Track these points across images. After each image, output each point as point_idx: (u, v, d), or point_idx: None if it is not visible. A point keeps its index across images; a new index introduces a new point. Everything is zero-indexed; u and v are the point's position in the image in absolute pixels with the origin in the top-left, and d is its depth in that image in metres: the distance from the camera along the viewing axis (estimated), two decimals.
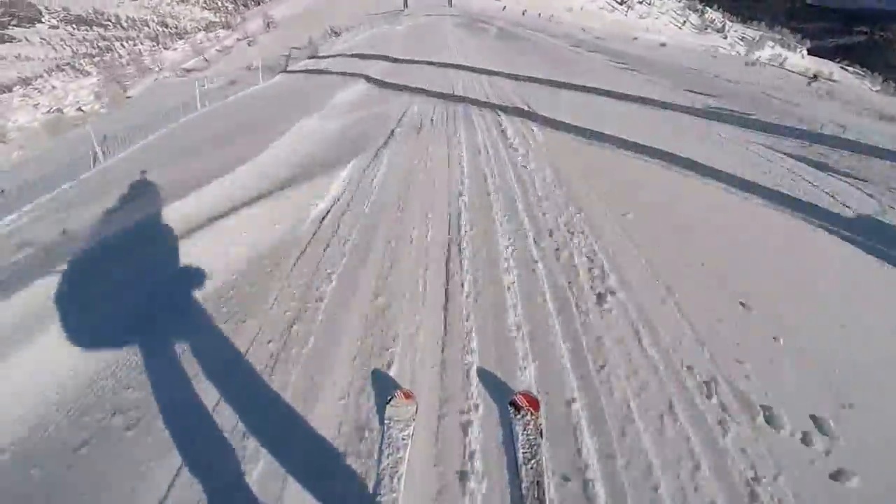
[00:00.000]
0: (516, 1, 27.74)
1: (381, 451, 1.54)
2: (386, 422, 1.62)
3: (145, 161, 5.21)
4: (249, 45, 27.66)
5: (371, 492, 1.47)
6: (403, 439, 1.56)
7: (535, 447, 1.50)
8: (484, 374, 1.87)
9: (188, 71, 24.14)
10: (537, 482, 1.38)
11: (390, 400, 1.68)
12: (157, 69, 26.58)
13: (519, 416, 1.60)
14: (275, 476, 1.57)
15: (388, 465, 1.49)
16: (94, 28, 63.47)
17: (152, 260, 2.70)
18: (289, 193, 3.44)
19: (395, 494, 1.40)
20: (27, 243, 3.17)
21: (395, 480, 1.45)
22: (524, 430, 1.55)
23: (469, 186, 3.46)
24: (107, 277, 2.54)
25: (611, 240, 2.69)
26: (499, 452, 1.59)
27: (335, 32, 20.16)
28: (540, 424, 1.60)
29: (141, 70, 26.76)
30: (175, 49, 34.19)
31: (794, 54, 34.72)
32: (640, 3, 43.73)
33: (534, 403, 1.64)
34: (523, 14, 24.17)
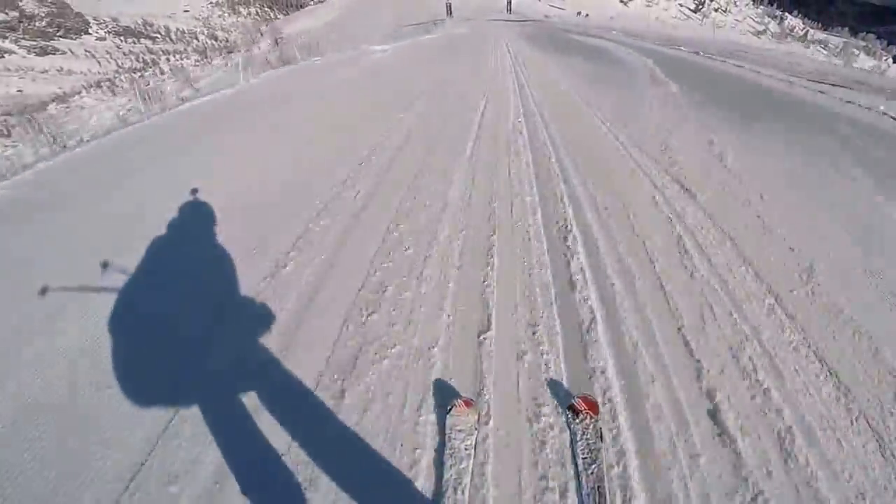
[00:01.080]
0: (578, 6, 28.62)
1: (443, 463, 1.58)
2: (447, 432, 1.66)
3: None
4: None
5: None
6: (466, 449, 1.60)
7: (596, 451, 1.54)
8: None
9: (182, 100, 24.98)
10: (598, 487, 1.42)
11: (450, 409, 1.71)
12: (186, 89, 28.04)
13: (578, 421, 1.65)
14: None
15: (451, 476, 1.53)
16: (142, 40, 68.09)
17: None
18: None
19: None
20: None
21: (460, 492, 1.49)
22: (583, 433, 1.60)
23: None
24: None
25: None
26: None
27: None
28: (599, 428, 1.63)
29: (180, 86, 28.32)
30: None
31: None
32: (717, 10, 43.56)
33: (593, 407, 1.68)
34: (611, 19, 23.51)
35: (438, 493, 1.52)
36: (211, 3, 77.47)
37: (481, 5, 27.65)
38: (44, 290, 2.59)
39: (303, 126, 5.35)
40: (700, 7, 38.58)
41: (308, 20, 38.45)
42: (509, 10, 26.45)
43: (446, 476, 1.54)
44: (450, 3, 25.68)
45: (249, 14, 75.62)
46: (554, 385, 1.89)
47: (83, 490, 1.61)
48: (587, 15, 26.43)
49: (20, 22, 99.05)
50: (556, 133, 4.90)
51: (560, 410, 1.78)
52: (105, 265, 2.79)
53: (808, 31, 47.25)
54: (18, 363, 2.13)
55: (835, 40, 42.39)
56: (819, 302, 2.26)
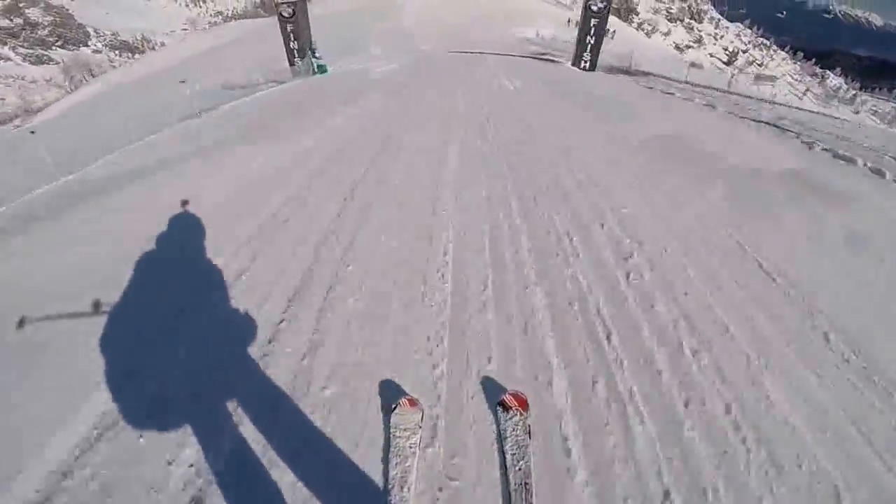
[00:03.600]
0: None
1: (388, 461, 1.76)
2: (392, 430, 1.83)
3: None
4: None
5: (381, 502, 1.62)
6: (411, 447, 1.79)
7: (524, 448, 1.69)
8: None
9: None
10: (525, 483, 1.56)
11: (395, 408, 1.88)
12: None
13: (508, 417, 1.80)
14: None
15: (396, 474, 1.70)
16: (136, 55, 73.78)
17: None
18: None
19: None
20: None
21: (405, 489, 1.66)
22: (513, 430, 1.75)
23: None
24: None
25: None
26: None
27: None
28: (528, 425, 1.79)
29: None
30: None
31: None
32: (751, 63, 46.01)
33: (523, 404, 1.84)
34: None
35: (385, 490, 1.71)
36: (210, 23, 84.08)
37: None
38: (21, 322, 2.46)
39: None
40: (733, 60, 40.94)
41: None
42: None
43: (392, 473, 1.73)
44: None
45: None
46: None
47: None
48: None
49: (23, 29, 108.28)
50: None
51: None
52: (97, 306, 2.78)
53: (856, 94, 48.96)
54: None
55: (884, 105, 43.22)
56: None
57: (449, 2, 38.62)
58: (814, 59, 61.27)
